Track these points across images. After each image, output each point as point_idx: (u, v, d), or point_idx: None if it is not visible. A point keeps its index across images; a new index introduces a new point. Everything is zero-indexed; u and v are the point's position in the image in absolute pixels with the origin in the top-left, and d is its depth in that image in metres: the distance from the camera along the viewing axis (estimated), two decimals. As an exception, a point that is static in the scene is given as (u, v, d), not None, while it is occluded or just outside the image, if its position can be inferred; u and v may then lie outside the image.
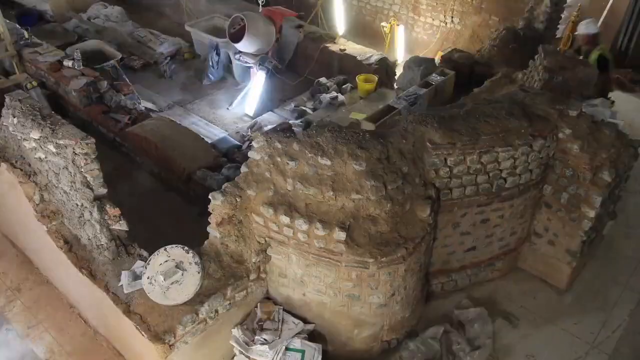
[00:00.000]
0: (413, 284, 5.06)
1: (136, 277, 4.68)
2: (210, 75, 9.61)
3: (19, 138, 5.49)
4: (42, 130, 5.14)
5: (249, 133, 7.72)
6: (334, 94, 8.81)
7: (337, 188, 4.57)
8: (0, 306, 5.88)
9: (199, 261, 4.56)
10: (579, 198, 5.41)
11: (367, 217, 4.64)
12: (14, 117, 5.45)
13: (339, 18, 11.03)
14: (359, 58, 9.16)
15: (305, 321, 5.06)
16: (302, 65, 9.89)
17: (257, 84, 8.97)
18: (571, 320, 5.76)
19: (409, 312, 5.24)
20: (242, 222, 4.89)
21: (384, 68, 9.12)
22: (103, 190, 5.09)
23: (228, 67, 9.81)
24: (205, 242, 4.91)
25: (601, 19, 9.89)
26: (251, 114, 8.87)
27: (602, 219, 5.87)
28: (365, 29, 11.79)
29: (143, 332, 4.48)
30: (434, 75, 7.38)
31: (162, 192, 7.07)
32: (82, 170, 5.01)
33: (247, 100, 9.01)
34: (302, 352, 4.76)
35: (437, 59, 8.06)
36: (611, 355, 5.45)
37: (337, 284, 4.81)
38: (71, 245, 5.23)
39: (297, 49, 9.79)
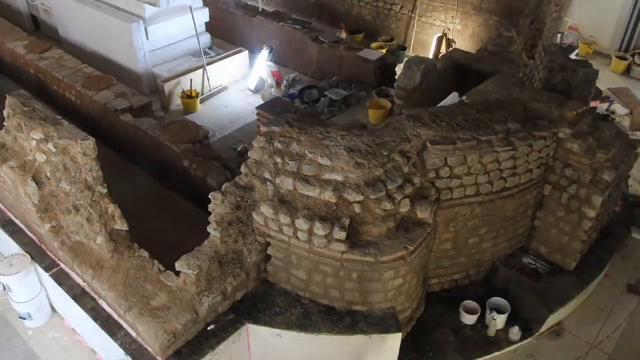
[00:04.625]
0: (414, 284, 5.06)
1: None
2: None
3: (20, 137, 5.49)
4: (43, 130, 5.14)
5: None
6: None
7: (337, 188, 4.57)
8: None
9: None
10: (580, 198, 5.40)
11: (367, 216, 4.63)
12: (15, 117, 5.45)
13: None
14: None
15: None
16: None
17: (260, 61, 9.69)
18: (571, 320, 5.76)
19: (410, 310, 5.24)
20: (242, 221, 4.89)
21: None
22: (103, 190, 5.10)
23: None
24: (205, 241, 4.91)
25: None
26: (252, 88, 9.70)
27: (602, 218, 5.87)
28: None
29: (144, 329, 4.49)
30: None
31: (162, 191, 7.07)
32: (82, 169, 5.02)
33: (250, 75, 9.78)
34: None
35: None
36: (611, 355, 5.45)
37: (337, 284, 4.81)
38: (71, 245, 5.24)
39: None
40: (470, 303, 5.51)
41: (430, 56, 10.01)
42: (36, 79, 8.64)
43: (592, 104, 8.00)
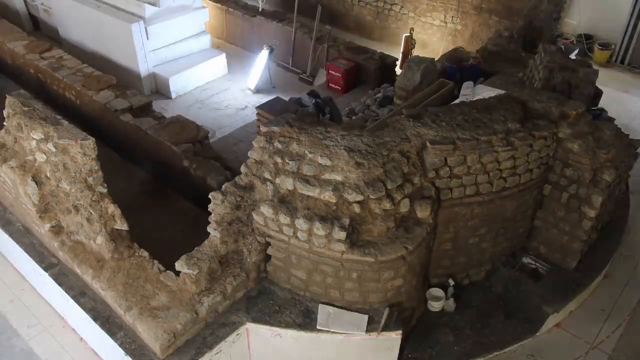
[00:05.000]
0: (414, 284, 5.06)
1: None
2: None
3: (20, 138, 5.49)
4: (43, 130, 5.14)
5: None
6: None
7: (337, 188, 4.57)
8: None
9: None
10: (580, 198, 5.40)
11: (367, 216, 4.63)
12: (15, 117, 5.45)
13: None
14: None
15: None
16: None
17: (260, 61, 9.71)
18: (571, 320, 5.76)
19: (410, 310, 5.24)
20: (242, 221, 4.89)
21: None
22: (103, 190, 5.10)
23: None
24: (205, 241, 4.91)
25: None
26: (252, 88, 9.73)
27: (602, 218, 5.87)
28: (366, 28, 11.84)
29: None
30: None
31: (162, 191, 7.08)
32: (82, 169, 5.02)
33: (250, 75, 9.83)
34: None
35: None
36: (611, 356, 5.45)
37: (338, 284, 4.81)
38: (71, 245, 5.24)
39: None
40: (437, 291, 5.58)
41: (400, 55, 9.98)
42: (36, 79, 8.64)
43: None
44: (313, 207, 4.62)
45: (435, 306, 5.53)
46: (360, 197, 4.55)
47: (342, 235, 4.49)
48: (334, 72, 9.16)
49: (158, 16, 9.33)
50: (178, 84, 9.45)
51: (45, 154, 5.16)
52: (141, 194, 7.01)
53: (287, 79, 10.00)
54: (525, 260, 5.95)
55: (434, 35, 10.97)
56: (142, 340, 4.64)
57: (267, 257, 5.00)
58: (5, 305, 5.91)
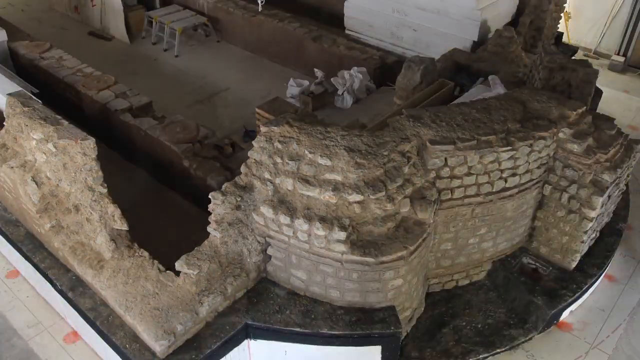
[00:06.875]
0: (414, 283, 5.06)
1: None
2: None
3: (21, 137, 5.49)
4: (43, 130, 5.14)
5: None
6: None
7: (337, 188, 4.57)
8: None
9: None
10: (580, 198, 5.40)
11: (368, 217, 4.63)
12: (16, 117, 5.46)
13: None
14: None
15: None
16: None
17: None
18: (571, 320, 5.76)
19: (410, 310, 5.24)
20: (242, 221, 4.89)
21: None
22: (103, 190, 5.10)
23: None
24: (205, 241, 4.91)
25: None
26: None
27: (602, 218, 5.87)
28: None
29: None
30: None
31: (162, 191, 7.07)
32: (82, 169, 5.02)
33: None
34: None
35: None
36: (611, 355, 5.45)
37: (338, 284, 4.81)
38: (71, 245, 5.23)
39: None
40: None
41: None
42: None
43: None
44: (313, 207, 4.62)
45: None
46: (360, 197, 4.55)
47: (342, 235, 4.49)
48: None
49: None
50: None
51: (45, 154, 5.16)
52: (141, 194, 7.01)
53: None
54: (525, 260, 5.95)
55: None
56: (142, 340, 4.64)
57: (267, 257, 5.00)
58: (6, 305, 5.91)
